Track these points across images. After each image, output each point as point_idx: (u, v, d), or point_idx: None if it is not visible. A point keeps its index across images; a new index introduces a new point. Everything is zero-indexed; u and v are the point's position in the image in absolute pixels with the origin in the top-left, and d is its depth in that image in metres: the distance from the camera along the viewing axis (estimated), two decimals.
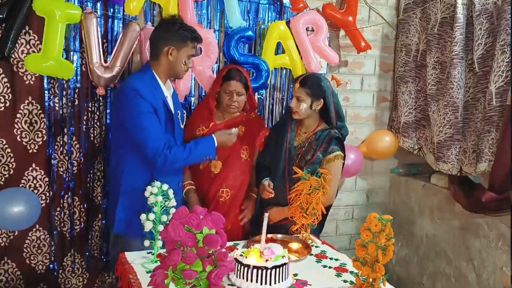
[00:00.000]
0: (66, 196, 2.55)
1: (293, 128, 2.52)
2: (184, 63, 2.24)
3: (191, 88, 2.69)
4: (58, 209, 2.55)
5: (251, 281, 1.68)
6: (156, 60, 2.24)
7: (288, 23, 2.76)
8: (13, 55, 2.35)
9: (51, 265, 2.59)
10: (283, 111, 2.90)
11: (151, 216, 1.83)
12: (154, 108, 2.14)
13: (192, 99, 2.71)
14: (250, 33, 2.67)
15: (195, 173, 2.52)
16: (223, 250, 1.40)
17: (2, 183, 2.43)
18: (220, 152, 2.44)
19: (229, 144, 2.34)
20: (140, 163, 2.18)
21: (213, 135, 2.30)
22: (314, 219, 2.18)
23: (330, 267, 1.96)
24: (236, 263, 1.71)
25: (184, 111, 2.49)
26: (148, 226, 1.83)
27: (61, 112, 2.47)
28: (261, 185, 2.47)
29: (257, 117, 2.70)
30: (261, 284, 1.67)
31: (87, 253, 2.64)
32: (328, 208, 2.45)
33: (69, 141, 2.51)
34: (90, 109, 2.52)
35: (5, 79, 2.36)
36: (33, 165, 2.47)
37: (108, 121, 2.54)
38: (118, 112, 2.19)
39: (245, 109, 2.62)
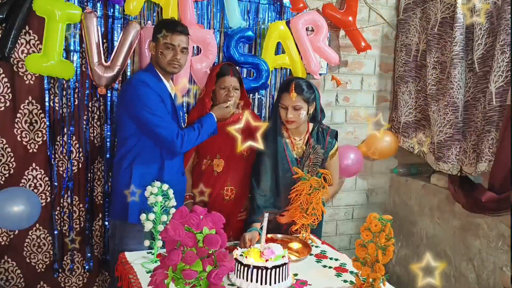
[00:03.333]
0: (66, 196, 2.55)
1: (286, 141, 2.40)
2: (160, 53, 2.21)
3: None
4: (58, 208, 2.55)
5: (251, 281, 1.68)
6: (150, 59, 2.30)
7: (288, 23, 2.76)
8: (13, 55, 2.35)
9: (51, 264, 2.59)
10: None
11: (151, 216, 1.83)
12: (162, 98, 2.19)
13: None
14: (250, 33, 2.67)
15: (197, 174, 2.52)
16: (223, 250, 1.40)
17: (2, 182, 2.43)
18: (221, 151, 2.45)
19: (227, 116, 2.43)
20: (151, 151, 2.22)
21: (211, 111, 2.38)
22: (314, 219, 2.18)
23: (330, 267, 1.96)
24: (236, 263, 1.72)
25: (185, 112, 2.49)
26: (148, 226, 1.83)
27: (61, 112, 2.47)
28: (242, 237, 2.12)
29: (253, 114, 2.71)
30: (261, 284, 1.67)
31: (87, 253, 2.64)
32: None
33: (69, 141, 2.51)
34: (90, 109, 2.52)
35: (5, 79, 2.36)
36: (33, 164, 2.47)
37: (108, 120, 2.54)
38: (127, 104, 2.20)
39: (239, 107, 2.62)
